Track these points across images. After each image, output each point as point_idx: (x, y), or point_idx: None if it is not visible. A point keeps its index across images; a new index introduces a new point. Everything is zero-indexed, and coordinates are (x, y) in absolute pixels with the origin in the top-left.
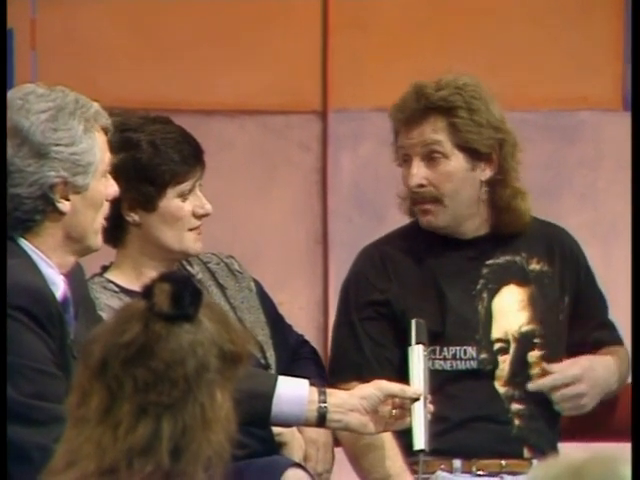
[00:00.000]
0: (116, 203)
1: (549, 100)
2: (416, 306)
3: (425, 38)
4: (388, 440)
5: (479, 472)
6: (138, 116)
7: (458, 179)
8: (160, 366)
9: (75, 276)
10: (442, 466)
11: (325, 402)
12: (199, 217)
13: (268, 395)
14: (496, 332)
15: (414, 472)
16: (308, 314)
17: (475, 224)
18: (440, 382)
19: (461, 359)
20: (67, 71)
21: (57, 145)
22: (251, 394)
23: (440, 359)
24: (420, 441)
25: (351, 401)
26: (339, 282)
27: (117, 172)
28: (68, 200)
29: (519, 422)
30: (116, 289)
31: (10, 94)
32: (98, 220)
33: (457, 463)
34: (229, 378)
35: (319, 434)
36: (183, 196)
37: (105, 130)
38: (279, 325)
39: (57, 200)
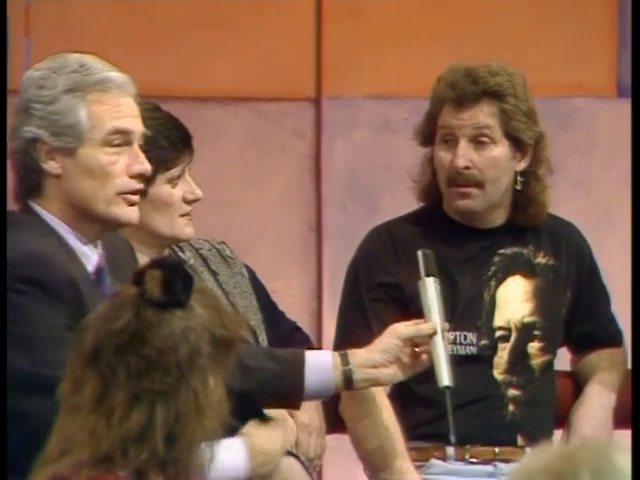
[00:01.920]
0: None
1: (543, 87)
2: None
3: (419, 26)
4: (392, 422)
5: (472, 460)
6: None
7: (502, 166)
8: (152, 353)
9: (116, 249)
10: (436, 454)
11: (348, 364)
12: (189, 202)
13: (299, 371)
14: (498, 320)
15: (411, 460)
16: (302, 301)
17: (499, 214)
18: None
19: (461, 344)
20: None
21: (38, 102)
22: (281, 373)
23: None
24: (444, 377)
25: (373, 357)
26: (333, 269)
27: None
28: (56, 162)
29: (513, 408)
30: None
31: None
32: (107, 190)
33: (450, 450)
34: (221, 363)
35: (311, 419)
36: (172, 182)
37: (122, 100)
38: (272, 310)
39: (41, 159)
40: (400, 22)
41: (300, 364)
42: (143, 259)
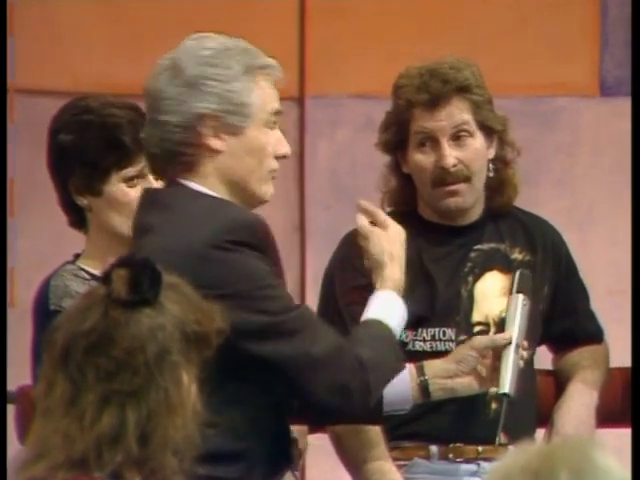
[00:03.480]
0: (65, 188)
1: (526, 86)
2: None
3: (402, 25)
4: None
5: (456, 459)
6: (101, 100)
7: (482, 157)
8: (121, 354)
9: None
10: (419, 453)
11: (424, 375)
12: None
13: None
14: (477, 315)
15: (392, 458)
16: None
17: (477, 209)
18: None
19: (440, 340)
20: (45, 57)
21: (211, 79)
22: None
23: (420, 340)
24: (505, 385)
25: (448, 367)
26: (316, 269)
27: (63, 154)
28: (220, 139)
29: (496, 406)
30: (87, 276)
31: (186, 39)
32: (263, 170)
33: (434, 449)
34: (194, 359)
35: None
36: (128, 181)
37: (276, 85)
38: None
39: (207, 135)
40: (383, 21)
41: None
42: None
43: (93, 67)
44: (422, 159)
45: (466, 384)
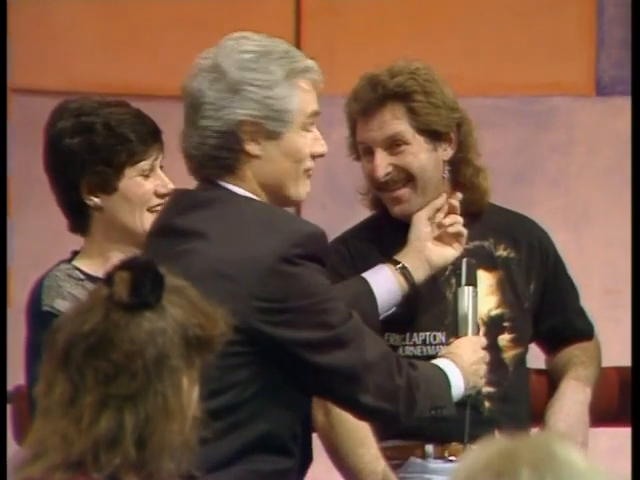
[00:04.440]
0: (74, 189)
1: (521, 86)
2: None
3: (398, 24)
4: (363, 427)
5: (451, 458)
6: (93, 100)
7: (423, 160)
8: (119, 357)
9: None
10: (415, 452)
11: (399, 263)
12: (161, 196)
13: (369, 292)
14: None
15: (387, 458)
16: None
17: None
18: None
19: (431, 344)
20: (40, 57)
21: (252, 85)
22: (354, 299)
23: (410, 345)
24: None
25: (414, 245)
26: None
27: (72, 157)
28: (258, 144)
29: (490, 405)
30: (81, 277)
31: (226, 38)
32: (298, 172)
33: (429, 449)
34: (196, 364)
35: None
36: (143, 175)
37: (316, 87)
38: None
39: (245, 140)
40: (379, 21)
41: (365, 282)
42: (118, 258)
43: (89, 67)
44: (365, 166)
45: (438, 252)
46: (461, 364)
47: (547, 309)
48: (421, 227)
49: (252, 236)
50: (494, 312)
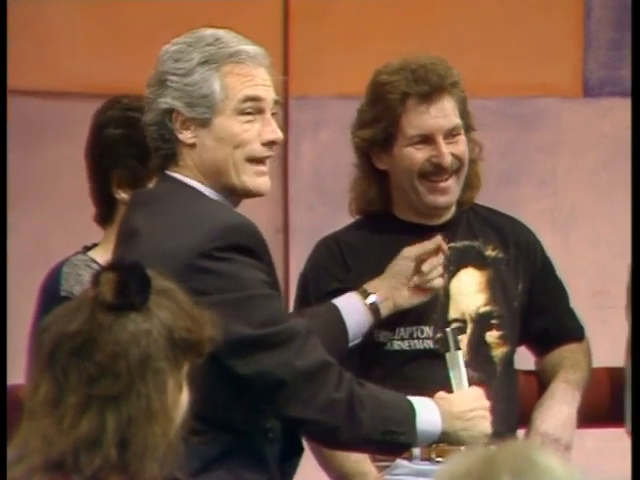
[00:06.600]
0: (106, 180)
1: (509, 87)
2: None
3: (385, 25)
4: None
5: (438, 459)
6: (140, 100)
7: (467, 150)
8: (103, 359)
9: None
10: (402, 454)
11: (369, 295)
12: None
13: (341, 325)
14: (453, 312)
15: (374, 459)
16: None
17: (454, 205)
18: (398, 363)
19: (418, 338)
20: (31, 56)
21: (174, 74)
22: (327, 333)
23: (398, 339)
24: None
25: (389, 281)
26: (300, 270)
27: (110, 147)
28: (191, 132)
29: None
30: (97, 267)
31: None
32: (237, 158)
33: (416, 451)
34: (183, 366)
35: None
36: None
37: (259, 72)
38: None
39: (177, 129)
40: (366, 22)
41: (337, 311)
42: None
43: (80, 67)
44: (414, 153)
45: (406, 296)
46: (446, 406)
47: (536, 310)
48: (404, 263)
49: (175, 233)
50: (482, 309)
